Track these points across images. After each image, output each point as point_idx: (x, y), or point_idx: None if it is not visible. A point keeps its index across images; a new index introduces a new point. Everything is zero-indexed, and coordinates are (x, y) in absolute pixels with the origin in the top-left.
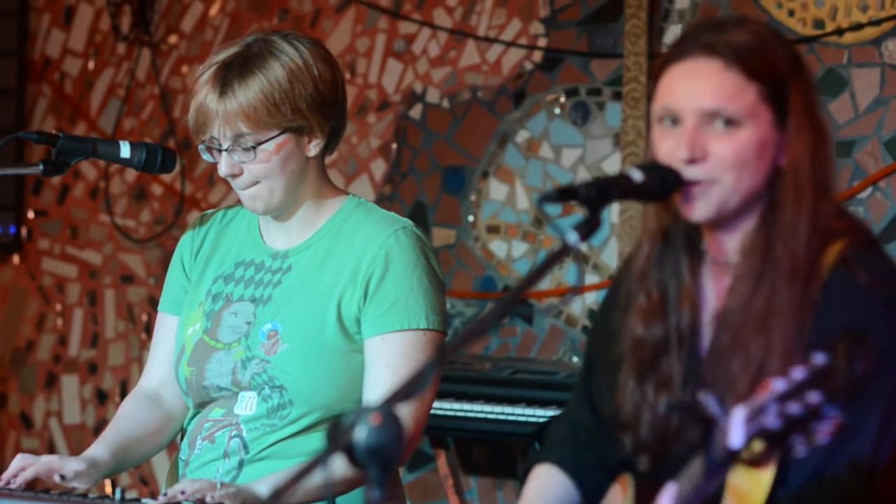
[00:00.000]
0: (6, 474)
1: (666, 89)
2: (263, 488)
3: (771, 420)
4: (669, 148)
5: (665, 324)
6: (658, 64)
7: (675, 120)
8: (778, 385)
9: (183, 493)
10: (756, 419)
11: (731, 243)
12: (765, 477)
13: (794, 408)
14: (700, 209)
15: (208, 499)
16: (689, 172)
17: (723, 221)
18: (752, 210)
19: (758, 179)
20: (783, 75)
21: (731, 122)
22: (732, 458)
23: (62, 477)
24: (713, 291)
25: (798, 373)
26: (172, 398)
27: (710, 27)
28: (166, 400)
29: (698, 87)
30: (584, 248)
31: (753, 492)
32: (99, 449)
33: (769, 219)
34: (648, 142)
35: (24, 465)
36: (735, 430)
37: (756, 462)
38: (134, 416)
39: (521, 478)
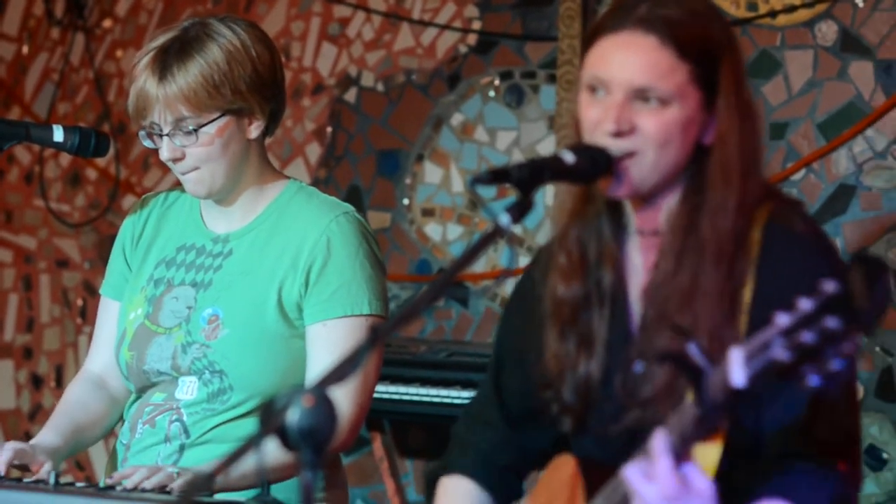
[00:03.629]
0: None
1: (598, 58)
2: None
3: (779, 352)
4: (595, 116)
5: (585, 282)
6: (592, 30)
7: (603, 91)
8: (782, 319)
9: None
10: (760, 355)
11: (657, 216)
12: (713, 451)
13: (807, 336)
14: (620, 186)
15: (149, 485)
16: (612, 144)
17: (644, 197)
18: (673, 187)
19: (680, 158)
20: (715, 55)
21: (659, 100)
22: (736, 397)
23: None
24: (642, 264)
25: (805, 304)
26: (116, 383)
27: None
28: (111, 385)
29: (631, 61)
30: (517, 230)
31: (703, 460)
32: (51, 436)
33: (692, 196)
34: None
35: None
36: (735, 370)
37: (707, 435)
38: (81, 402)
39: (426, 480)
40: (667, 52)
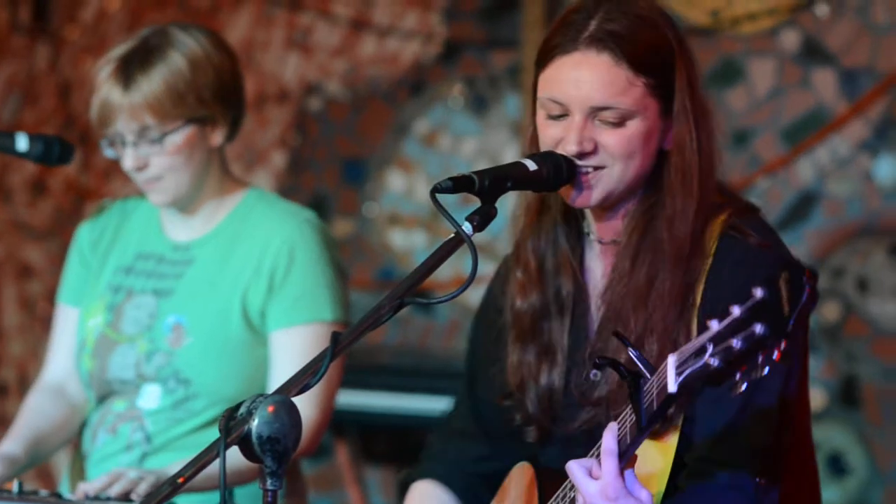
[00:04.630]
0: None
1: (553, 81)
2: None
3: (711, 359)
4: (556, 135)
5: (543, 293)
6: (543, 51)
7: (561, 111)
8: (713, 325)
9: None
10: (693, 361)
11: (618, 225)
12: (669, 447)
13: (736, 342)
14: (586, 196)
15: (113, 492)
16: (577, 162)
17: (608, 206)
18: (635, 192)
19: (644, 166)
20: (669, 63)
21: (620, 116)
22: (670, 402)
23: None
24: (602, 272)
25: (735, 310)
26: (76, 391)
27: (595, 14)
28: (70, 392)
29: (587, 82)
30: (482, 237)
31: (659, 464)
32: (13, 446)
33: (651, 198)
34: (532, 119)
35: None
36: (670, 376)
37: (659, 433)
38: (42, 411)
39: (400, 488)
40: (622, 68)
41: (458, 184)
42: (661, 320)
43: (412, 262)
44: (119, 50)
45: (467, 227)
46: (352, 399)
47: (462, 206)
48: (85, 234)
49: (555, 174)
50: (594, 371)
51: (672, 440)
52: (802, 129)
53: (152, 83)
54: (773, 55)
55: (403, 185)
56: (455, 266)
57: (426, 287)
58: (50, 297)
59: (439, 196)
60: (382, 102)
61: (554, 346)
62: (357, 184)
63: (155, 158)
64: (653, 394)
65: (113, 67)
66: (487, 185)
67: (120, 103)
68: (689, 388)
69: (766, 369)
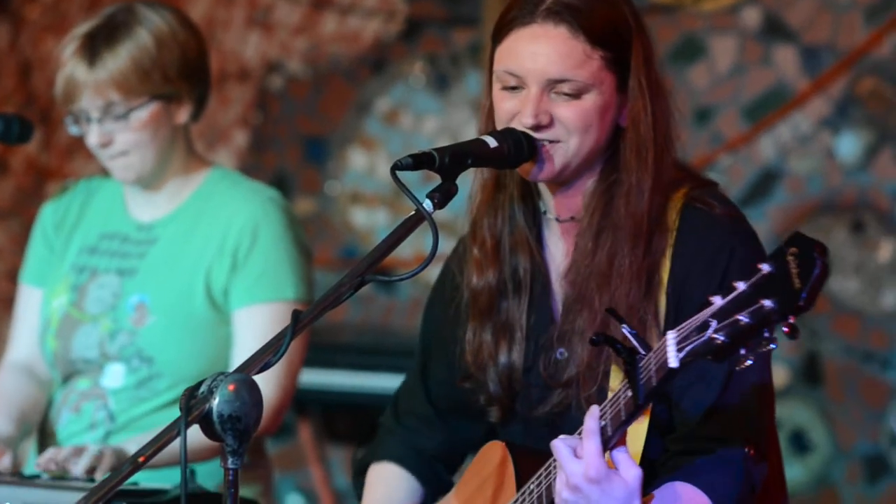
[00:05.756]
0: None
1: (510, 53)
2: (133, 448)
3: (717, 335)
4: (511, 108)
5: (500, 271)
6: (499, 24)
7: (517, 83)
8: (716, 301)
9: (55, 462)
10: (696, 336)
11: (576, 201)
12: (640, 429)
13: (744, 318)
14: (542, 170)
15: (78, 470)
16: (532, 135)
17: (564, 181)
18: (592, 169)
19: (600, 141)
20: (626, 38)
21: (576, 89)
22: (671, 377)
23: None
24: (561, 251)
25: (740, 285)
26: (43, 370)
27: None
28: (38, 371)
29: (544, 54)
30: (444, 214)
31: (631, 447)
32: (4, 425)
33: (609, 176)
34: (486, 92)
35: None
36: (671, 352)
37: (637, 417)
38: (19, 389)
39: (355, 469)
40: (579, 41)
41: (419, 161)
42: (623, 298)
43: (374, 241)
44: (84, 27)
45: (428, 205)
46: (314, 378)
47: (424, 183)
48: (48, 215)
49: (515, 151)
50: (560, 350)
51: (644, 421)
52: (764, 106)
53: (118, 59)
54: (735, 32)
55: (365, 164)
56: (416, 244)
57: (388, 265)
58: (11, 277)
59: (400, 173)
60: (344, 80)
61: (512, 325)
62: (319, 162)
63: (120, 135)
64: (651, 370)
65: (78, 44)
66: (448, 162)
67: (85, 80)
68: (689, 365)
69: (773, 345)
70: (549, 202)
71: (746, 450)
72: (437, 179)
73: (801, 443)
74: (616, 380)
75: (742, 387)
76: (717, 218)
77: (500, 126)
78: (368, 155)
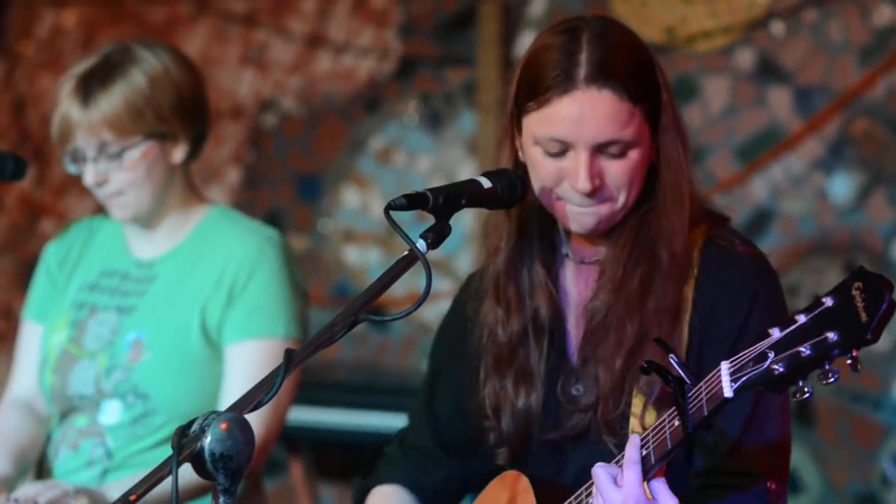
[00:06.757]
0: None
1: (552, 120)
2: (115, 493)
3: (776, 366)
4: (557, 171)
5: (522, 317)
6: (534, 89)
7: (562, 148)
8: (775, 332)
9: (36, 501)
10: (753, 367)
11: (600, 243)
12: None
13: (805, 350)
14: (589, 223)
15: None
16: (586, 202)
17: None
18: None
19: (641, 187)
20: (656, 85)
21: (624, 147)
22: (722, 407)
23: None
24: (579, 291)
25: (801, 318)
26: (42, 407)
27: (580, 49)
28: (37, 408)
29: (592, 119)
30: (438, 254)
31: None
32: (2, 465)
33: (640, 211)
34: (500, 151)
35: None
36: (725, 382)
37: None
38: (17, 427)
39: (355, 495)
40: (623, 102)
41: (412, 201)
42: (654, 329)
43: (367, 279)
44: (81, 67)
45: (421, 245)
46: (306, 415)
47: (418, 222)
48: (52, 253)
49: (509, 191)
50: (576, 387)
51: None
52: (757, 146)
53: (111, 99)
54: (728, 73)
55: (358, 202)
56: (410, 283)
57: (381, 304)
58: (5, 314)
59: (393, 213)
60: (337, 118)
61: (531, 370)
62: (312, 200)
63: (114, 174)
64: (702, 399)
65: (74, 84)
66: (442, 203)
67: (79, 120)
68: (742, 395)
69: (834, 378)
70: (574, 245)
71: (769, 484)
72: (431, 219)
73: (793, 483)
74: (638, 405)
75: (765, 423)
76: (739, 256)
77: (540, 187)
78: (362, 193)
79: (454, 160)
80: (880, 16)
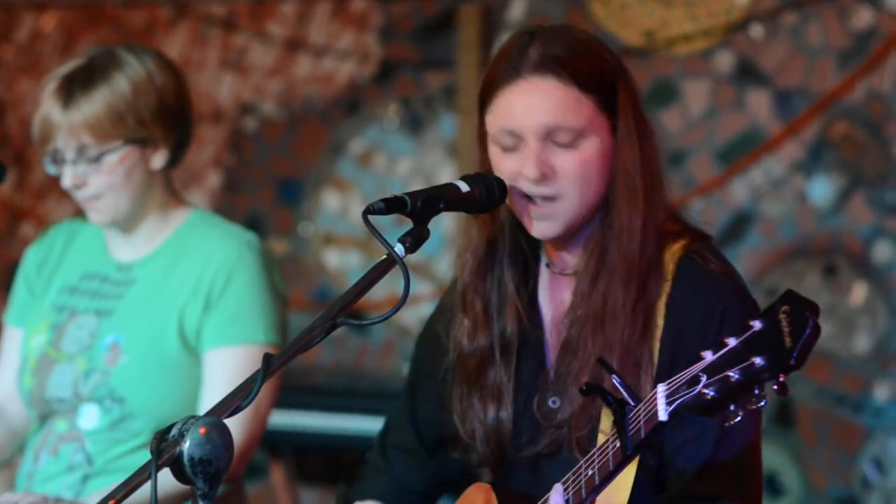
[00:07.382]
0: None
1: (502, 111)
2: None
3: (707, 390)
4: (513, 168)
5: (489, 335)
6: (486, 85)
7: (515, 141)
8: (707, 355)
9: None
10: (686, 391)
11: (576, 253)
12: (626, 480)
13: (735, 375)
14: (549, 227)
15: None
16: (536, 190)
17: (570, 235)
18: (594, 218)
19: (601, 188)
20: (612, 82)
21: (573, 136)
22: (659, 430)
23: None
24: (550, 302)
25: (731, 341)
26: (17, 411)
27: (531, 43)
28: (11, 413)
29: (537, 105)
30: (416, 257)
31: (616, 497)
32: None
33: (607, 221)
34: (479, 155)
35: None
36: (660, 404)
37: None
38: None
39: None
40: (569, 88)
41: (391, 205)
42: (618, 340)
43: (347, 282)
44: (65, 68)
45: (399, 249)
46: (287, 419)
47: (397, 226)
48: (31, 258)
49: (487, 195)
50: (553, 399)
51: (631, 471)
52: (737, 149)
53: (92, 103)
54: (708, 76)
55: (338, 205)
56: (389, 286)
57: (360, 307)
58: None
59: (372, 217)
60: (318, 122)
61: (500, 388)
62: (292, 204)
63: (92, 177)
64: (640, 422)
65: (56, 85)
66: (420, 207)
67: (59, 121)
68: (678, 418)
69: (763, 402)
70: (552, 256)
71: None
72: (410, 222)
73: (773, 486)
74: (606, 422)
75: (733, 443)
76: (711, 274)
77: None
78: (342, 196)
79: (434, 163)
80: (859, 19)
